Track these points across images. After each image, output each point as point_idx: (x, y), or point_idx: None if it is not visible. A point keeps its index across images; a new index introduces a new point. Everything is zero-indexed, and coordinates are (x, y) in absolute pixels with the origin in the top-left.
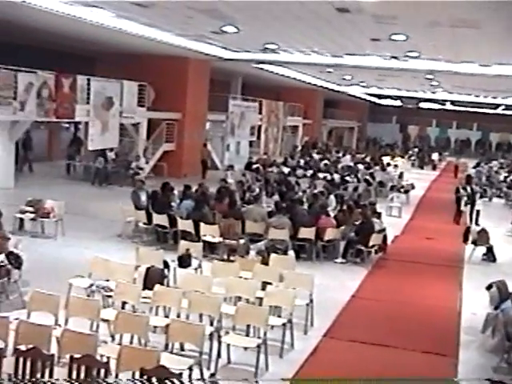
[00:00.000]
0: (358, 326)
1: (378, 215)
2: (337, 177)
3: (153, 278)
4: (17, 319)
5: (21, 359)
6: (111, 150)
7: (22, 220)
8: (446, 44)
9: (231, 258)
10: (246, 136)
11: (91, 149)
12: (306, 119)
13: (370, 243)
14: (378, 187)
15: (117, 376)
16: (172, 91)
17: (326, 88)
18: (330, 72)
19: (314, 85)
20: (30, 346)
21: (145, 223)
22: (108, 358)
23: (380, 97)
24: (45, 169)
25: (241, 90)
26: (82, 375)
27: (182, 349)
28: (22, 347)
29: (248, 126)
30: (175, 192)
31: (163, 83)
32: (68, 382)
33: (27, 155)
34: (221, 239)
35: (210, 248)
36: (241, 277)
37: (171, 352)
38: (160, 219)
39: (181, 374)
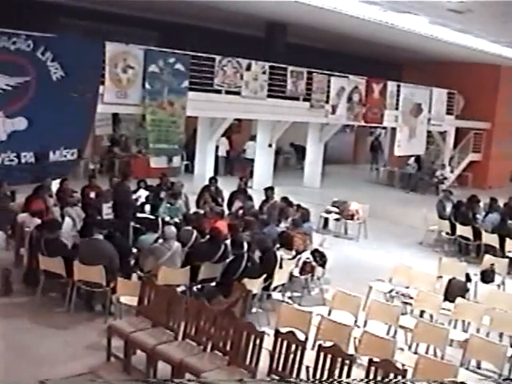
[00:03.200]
0: None
1: None
2: None
3: (454, 290)
4: (318, 315)
5: (321, 354)
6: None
7: (326, 219)
8: None
9: None
10: None
11: (397, 154)
12: None
13: None
14: None
15: None
16: (481, 100)
17: None
18: None
19: None
20: (330, 342)
21: (447, 233)
22: (403, 365)
23: None
24: (349, 171)
25: None
26: (379, 379)
27: (479, 367)
28: (322, 343)
29: None
30: (481, 204)
31: (472, 91)
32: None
33: (376, 156)
34: None
35: None
36: None
37: (467, 368)
38: (464, 231)
39: None
